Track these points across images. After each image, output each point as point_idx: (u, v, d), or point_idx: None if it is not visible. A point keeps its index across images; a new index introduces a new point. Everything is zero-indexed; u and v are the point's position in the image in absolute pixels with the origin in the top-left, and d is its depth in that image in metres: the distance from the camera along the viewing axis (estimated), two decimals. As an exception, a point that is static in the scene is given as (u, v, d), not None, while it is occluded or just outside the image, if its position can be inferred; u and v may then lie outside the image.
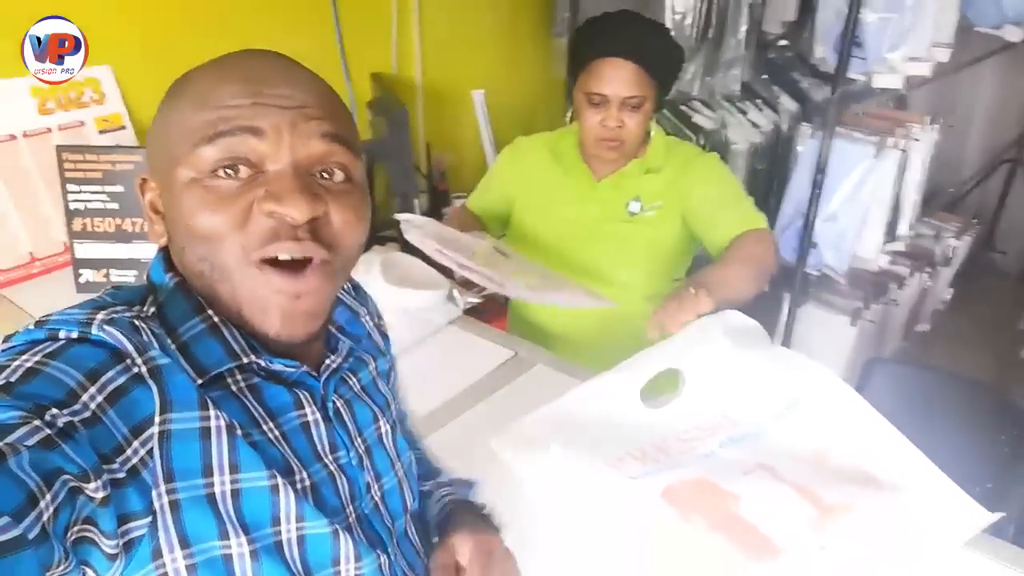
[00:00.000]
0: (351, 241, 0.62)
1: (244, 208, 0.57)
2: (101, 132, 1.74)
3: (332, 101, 0.63)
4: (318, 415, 0.65)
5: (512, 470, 1.04)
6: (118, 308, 0.57)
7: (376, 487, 0.70)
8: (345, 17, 2.11)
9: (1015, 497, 1.49)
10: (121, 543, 0.50)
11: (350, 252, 0.62)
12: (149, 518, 0.52)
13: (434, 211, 2.37)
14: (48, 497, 0.42)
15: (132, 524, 0.51)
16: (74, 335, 0.53)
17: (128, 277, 1.59)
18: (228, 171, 0.57)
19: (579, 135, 1.52)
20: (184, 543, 0.53)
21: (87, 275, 1.57)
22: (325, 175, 0.60)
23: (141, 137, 1.80)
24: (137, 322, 0.56)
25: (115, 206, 1.57)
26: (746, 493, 0.91)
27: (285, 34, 1.98)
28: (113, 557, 0.49)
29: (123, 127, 1.79)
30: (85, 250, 1.56)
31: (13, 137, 1.62)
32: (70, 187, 1.53)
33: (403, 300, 1.53)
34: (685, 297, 1.06)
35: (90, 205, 1.55)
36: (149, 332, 0.56)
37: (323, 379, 0.67)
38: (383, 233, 2.14)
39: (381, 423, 0.73)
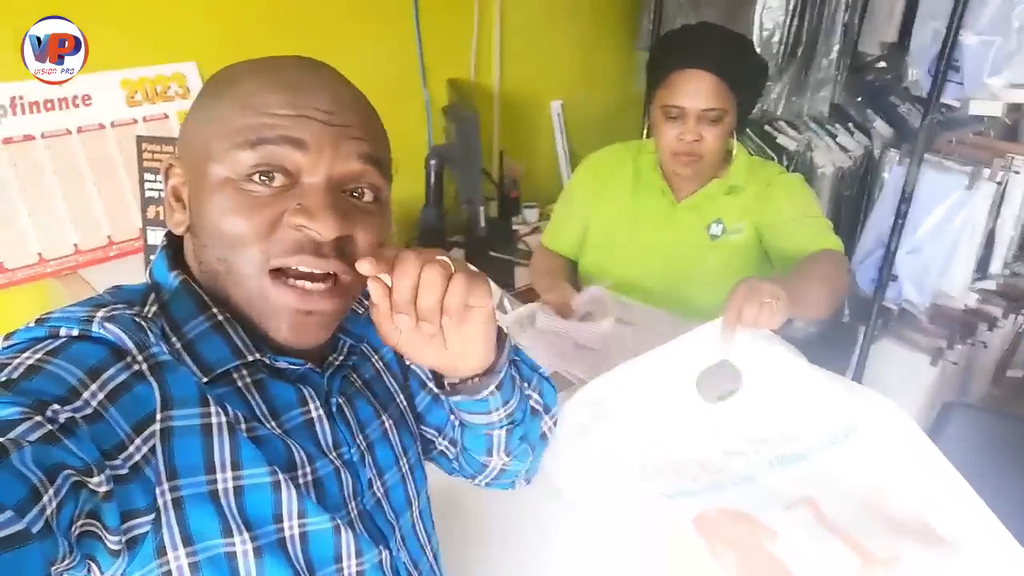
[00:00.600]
0: None
1: (273, 217, 0.57)
2: (183, 125, 1.81)
3: (373, 123, 0.63)
4: (321, 411, 0.65)
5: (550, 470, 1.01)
6: (119, 306, 0.57)
7: (379, 483, 0.70)
8: (426, 23, 2.14)
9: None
10: (124, 540, 0.50)
11: None
12: (152, 515, 0.52)
13: (503, 218, 2.36)
14: (51, 492, 0.43)
15: (136, 521, 0.51)
16: (75, 332, 0.53)
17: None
18: (264, 178, 0.58)
19: (657, 153, 1.47)
20: (187, 541, 0.54)
21: (157, 261, 1.64)
22: (356, 194, 0.61)
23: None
24: (139, 319, 0.57)
25: (187, 196, 1.62)
26: (785, 530, 0.86)
27: (365, 37, 2.01)
28: (116, 553, 0.49)
29: (204, 121, 1.87)
30: (157, 237, 1.62)
31: (102, 127, 1.71)
32: (147, 176, 1.59)
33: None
34: (764, 305, 0.98)
35: (164, 194, 1.61)
36: (151, 330, 0.57)
37: (327, 376, 0.67)
38: (452, 239, 2.15)
39: (384, 419, 0.73)
